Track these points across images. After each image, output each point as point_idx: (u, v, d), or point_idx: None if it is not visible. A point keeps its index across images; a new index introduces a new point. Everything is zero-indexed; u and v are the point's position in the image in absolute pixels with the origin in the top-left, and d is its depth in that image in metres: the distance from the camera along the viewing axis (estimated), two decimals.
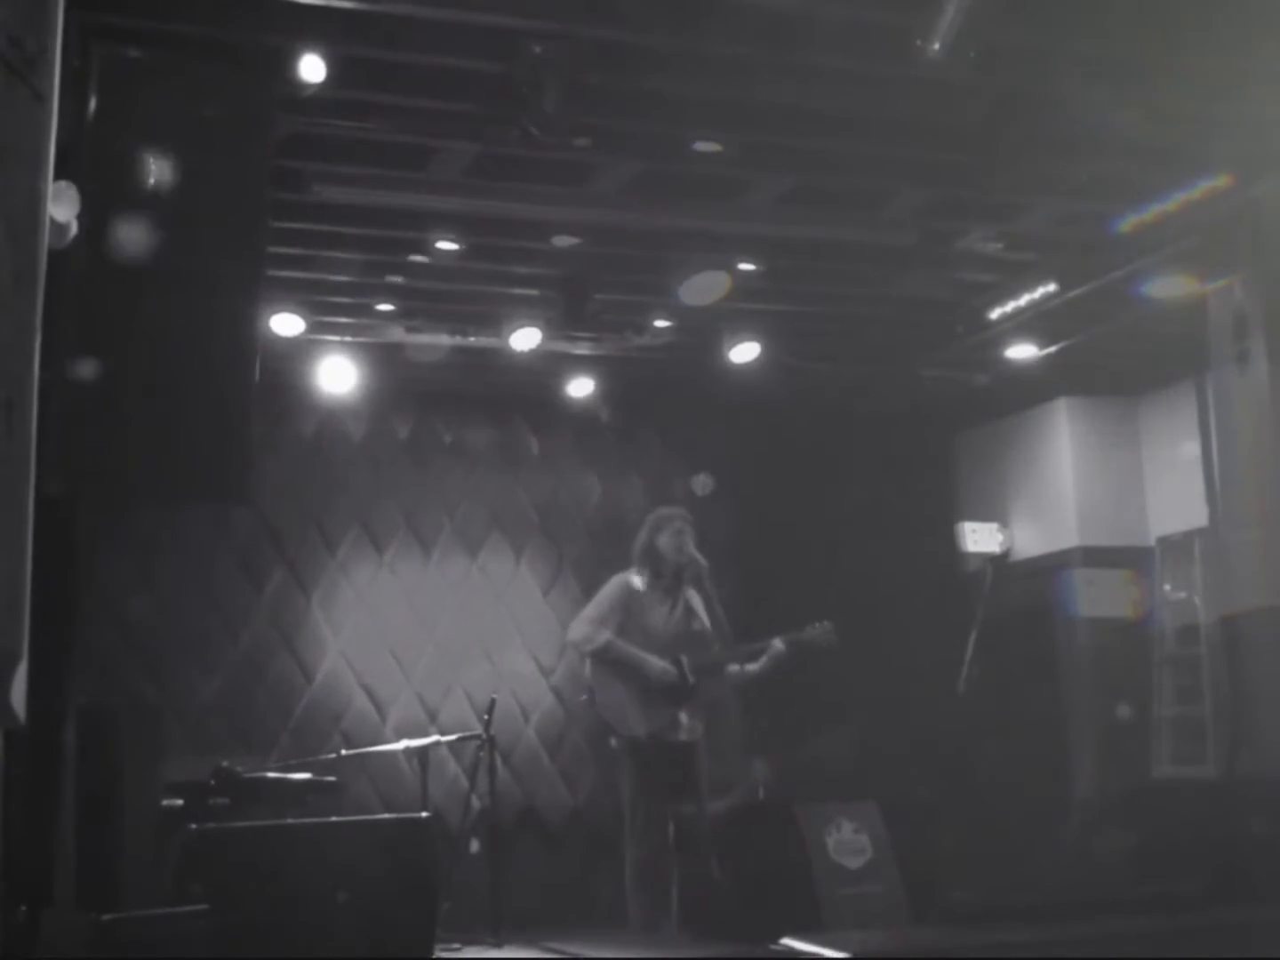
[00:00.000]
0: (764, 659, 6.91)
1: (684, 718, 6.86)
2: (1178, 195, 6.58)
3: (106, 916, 4.21)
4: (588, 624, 7.02)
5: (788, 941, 5.40)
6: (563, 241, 6.87)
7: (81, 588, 6.14)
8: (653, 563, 7.03)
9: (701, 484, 8.94)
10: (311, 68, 5.16)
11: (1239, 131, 6.16)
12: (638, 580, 7.05)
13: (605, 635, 6.91)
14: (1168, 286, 7.33)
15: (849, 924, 6.09)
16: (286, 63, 5.10)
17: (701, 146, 6.16)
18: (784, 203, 6.87)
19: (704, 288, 7.33)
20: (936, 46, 4.87)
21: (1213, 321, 7.13)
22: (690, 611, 6.99)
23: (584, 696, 7.30)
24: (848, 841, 6.49)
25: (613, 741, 7.00)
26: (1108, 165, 6.47)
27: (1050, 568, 9.09)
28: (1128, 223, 6.90)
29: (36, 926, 4.33)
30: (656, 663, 6.83)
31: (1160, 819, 7.21)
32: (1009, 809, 7.79)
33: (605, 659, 6.91)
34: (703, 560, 6.99)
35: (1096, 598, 8.86)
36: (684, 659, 6.84)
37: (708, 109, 5.91)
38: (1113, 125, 5.92)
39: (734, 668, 6.96)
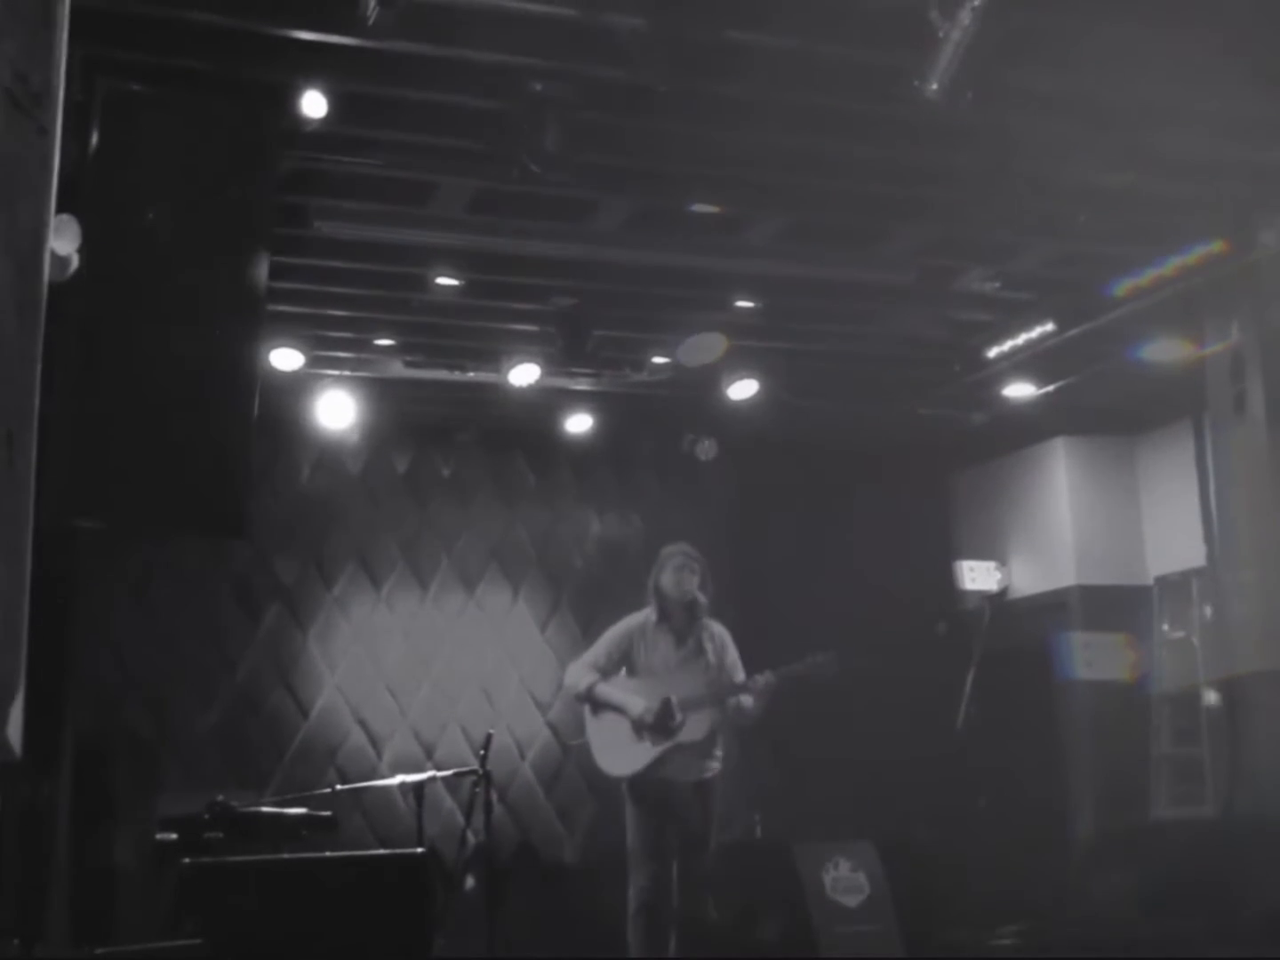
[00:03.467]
0: (755, 693, 6.88)
1: (681, 756, 6.83)
2: (1173, 259, 6.63)
3: (100, 950, 4.19)
4: (579, 668, 7.03)
5: None
6: (561, 301, 6.91)
7: (79, 621, 6.15)
8: (659, 600, 7.03)
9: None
10: (313, 103, 5.20)
11: (1237, 180, 6.20)
12: (647, 618, 7.06)
13: (589, 679, 6.91)
14: (1164, 350, 7.38)
15: None
16: (289, 98, 5.14)
17: (699, 209, 6.21)
18: (782, 241, 6.91)
19: (701, 349, 7.39)
20: (934, 87, 4.91)
21: (1210, 362, 7.15)
22: (700, 648, 6.95)
23: (575, 741, 7.28)
24: (845, 880, 6.47)
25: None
26: (1105, 207, 6.50)
27: (1048, 607, 9.08)
28: (1123, 287, 6.95)
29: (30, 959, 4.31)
30: (637, 703, 6.81)
31: (1159, 859, 7.18)
32: (1006, 848, 7.76)
33: (590, 702, 6.93)
34: (703, 598, 6.98)
35: (1093, 660, 8.85)
36: (672, 697, 6.81)
37: (707, 148, 5.94)
38: (1109, 171, 5.96)
39: (731, 704, 6.93)
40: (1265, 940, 5.51)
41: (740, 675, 6.90)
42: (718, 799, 6.94)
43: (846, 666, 6.90)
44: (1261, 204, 6.35)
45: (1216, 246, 6.48)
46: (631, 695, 6.84)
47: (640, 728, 6.79)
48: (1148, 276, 6.81)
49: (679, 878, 6.81)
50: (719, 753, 6.95)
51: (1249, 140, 5.91)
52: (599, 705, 6.90)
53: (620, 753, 6.84)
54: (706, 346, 7.34)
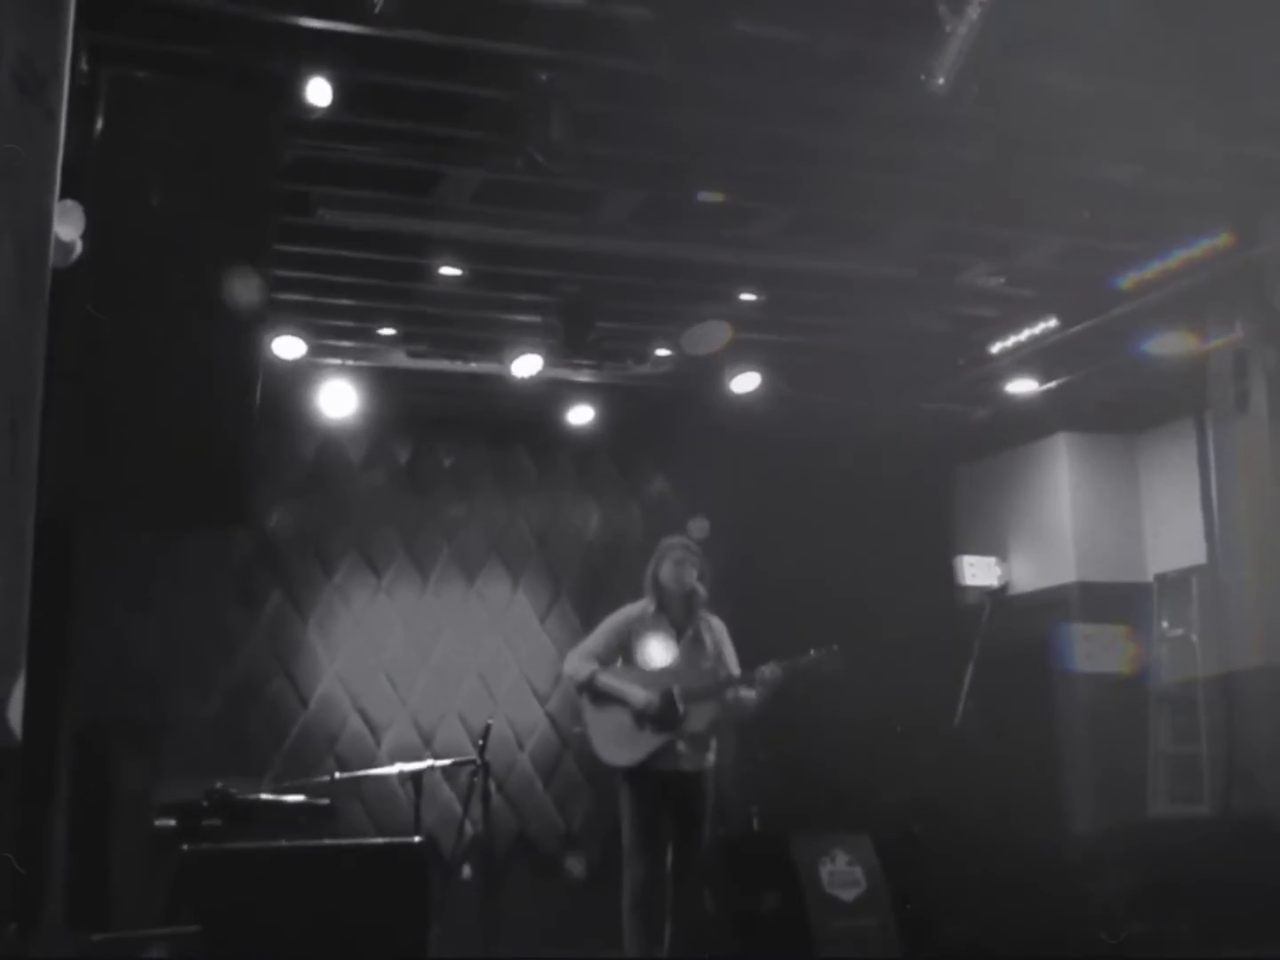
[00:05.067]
0: (758, 686, 6.89)
1: (682, 747, 6.84)
2: (1179, 252, 6.62)
3: (97, 936, 4.19)
4: (578, 657, 7.04)
5: None
6: (567, 290, 6.82)
7: (80, 609, 6.16)
8: (657, 592, 7.04)
9: (698, 528, 8.81)
10: (319, 92, 5.19)
11: (1242, 176, 6.19)
12: (645, 610, 7.06)
13: (590, 668, 6.92)
14: (1168, 344, 7.36)
15: (841, 955, 6.07)
16: (294, 86, 5.13)
17: (705, 197, 6.19)
18: (787, 234, 6.90)
19: (705, 337, 7.37)
20: (940, 82, 4.90)
21: (1213, 360, 7.15)
22: (698, 641, 6.96)
23: (577, 729, 7.29)
24: (841, 873, 6.48)
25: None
26: (1110, 203, 6.50)
27: (1048, 603, 9.08)
28: (1128, 279, 6.93)
29: (27, 945, 4.31)
30: (640, 694, 6.82)
31: (1156, 857, 7.19)
32: (1004, 844, 7.76)
33: (591, 691, 6.93)
34: (702, 591, 6.98)
35: (1093, 652, 8.85)
36: (675, 688, 6.82)
37: (712, 140, 5.93)
38: (1115, 166, 5.95)
39: (731, 697, 6.93)
40: (1262, 939, 5.51)
41: (736, 669, 6.91)
42: (713, 791, 6.96)
43: (850, 661, 6.91)
44: (1268, 199, 6.34)
45: (1222, 240, 6.46)
46: (634, 686, 6.85)
47: (642, 719, 6.80)
48: (1153, 270, 6.80)
49: (675, 869, 6.82)
50: (714, 744, 6.96)
51: (1256, 137, 5.90)
52: (600, 695, 6.90)
53: (621, 743, 6.84)
54: (711, 335, 7.33)
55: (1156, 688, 8.59)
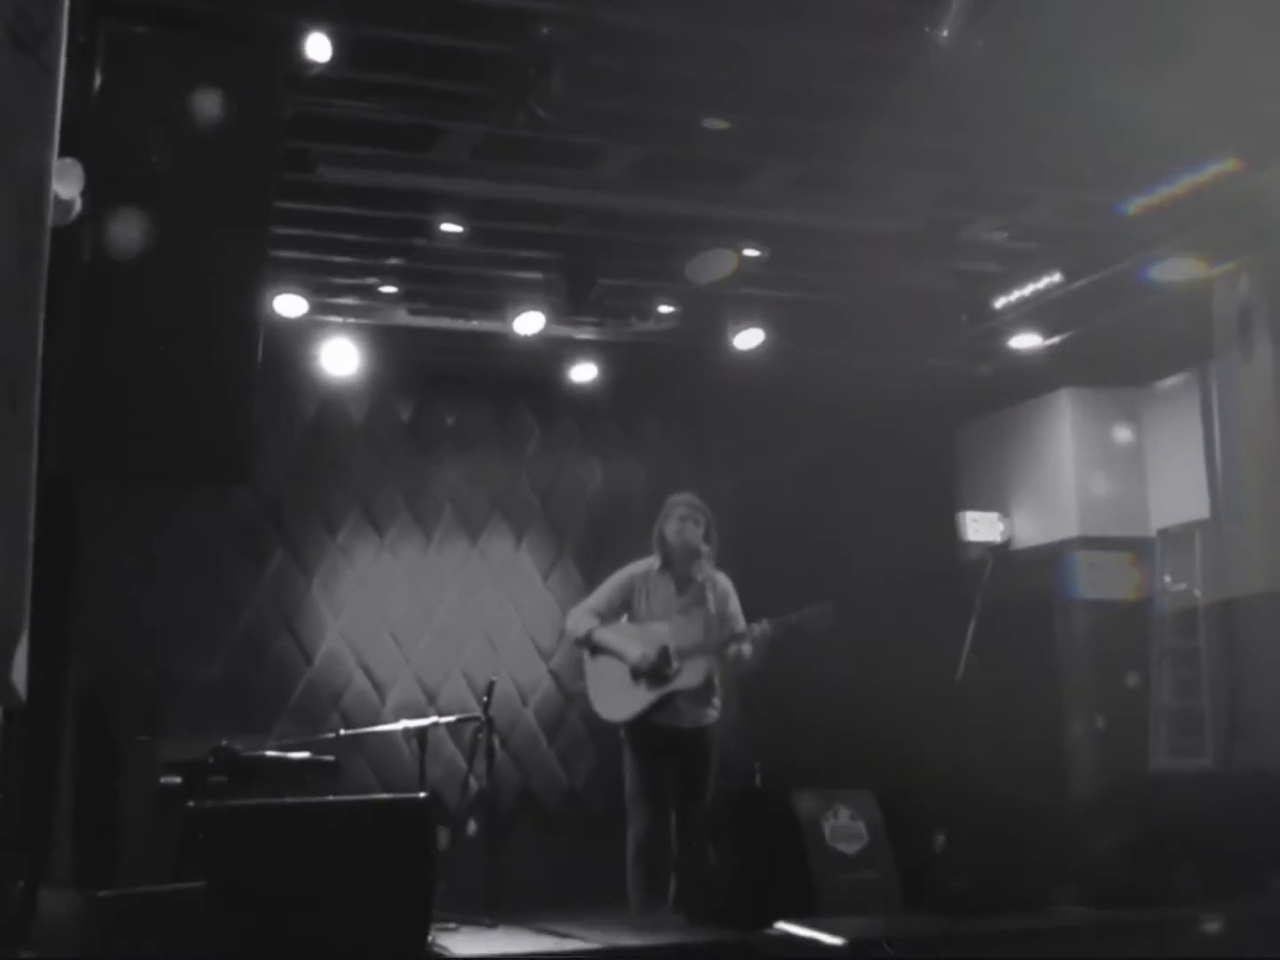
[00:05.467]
0: (752, 642, 6.91)
1: (682, 703, 6.86)
2: (1185, 178, 6.54)
3: (104, 893, 4.22)
4: (579, 614, 7.12)
5: (783, 926, 5.41)
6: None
7: (83, 567, 6.17)
8: (662, 549, 7.07)
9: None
10: (318, 47, 5.15)
11: (1247, 117, 6.12)
12: (651, 566, 7.09)
13: (588, 625, 6.98)
14: (1173, 270, 7.28)
15: (844, 910, 6.10)
16: (293, 41, 5.09)
17: (710, 124, 6.12)
18: (790, 189, 6.86)
19: (710, 265, 7.29)
20: (945, 34, 4.86)
21: (1217, 314, 7.12)
22: (701, 597, 6.97)
23: (580, 684, 7.34)
24: (844, 828, 6.50)
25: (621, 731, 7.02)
26: (1115, 155, 6.44)
27: (1050, 558, 9.08)
28: (1135, 206, 6.85)
29: (34, 902, 4.34)
30: (634, 649, 6.86)
31: (1157, 810, 7.22)
32: (1005, 798, 7.79)
33: (589, 647, 6.99)
34: (705, 548, 7.00)
35: (1097, 580, 8.85)
36: (670, 645, 6.84)
37: (715, 93, 5.89)
38: (1120, 112, 5.88)
39: (731, 653, 6.95)
40: (1264, 892, 5.55)
41: (740, 625, 6.93)
42: (716, 746, 6.99)
43: (844, 617, 6.92)
44: (1271, 139, 6.26)
45: (1229, 165, 6.39)
46: (629, 641, 6.90)
47: (637, 673, 6.84)
48: (1159, 195, 6.71)
49: (677, 824, 6.86)
50: (718, 700, 6.99)
51: (1259, 79, 5.81)
52: (597, 650, 6.96)
53: (616, 698, 6.89)
54: (716, 262, 7.26)
55: (1159, 640, 8.59)
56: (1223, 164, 6.37)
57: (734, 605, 7.05)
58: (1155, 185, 6.64)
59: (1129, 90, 5.69)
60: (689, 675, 6.83)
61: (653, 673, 6.83)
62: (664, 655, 6.82)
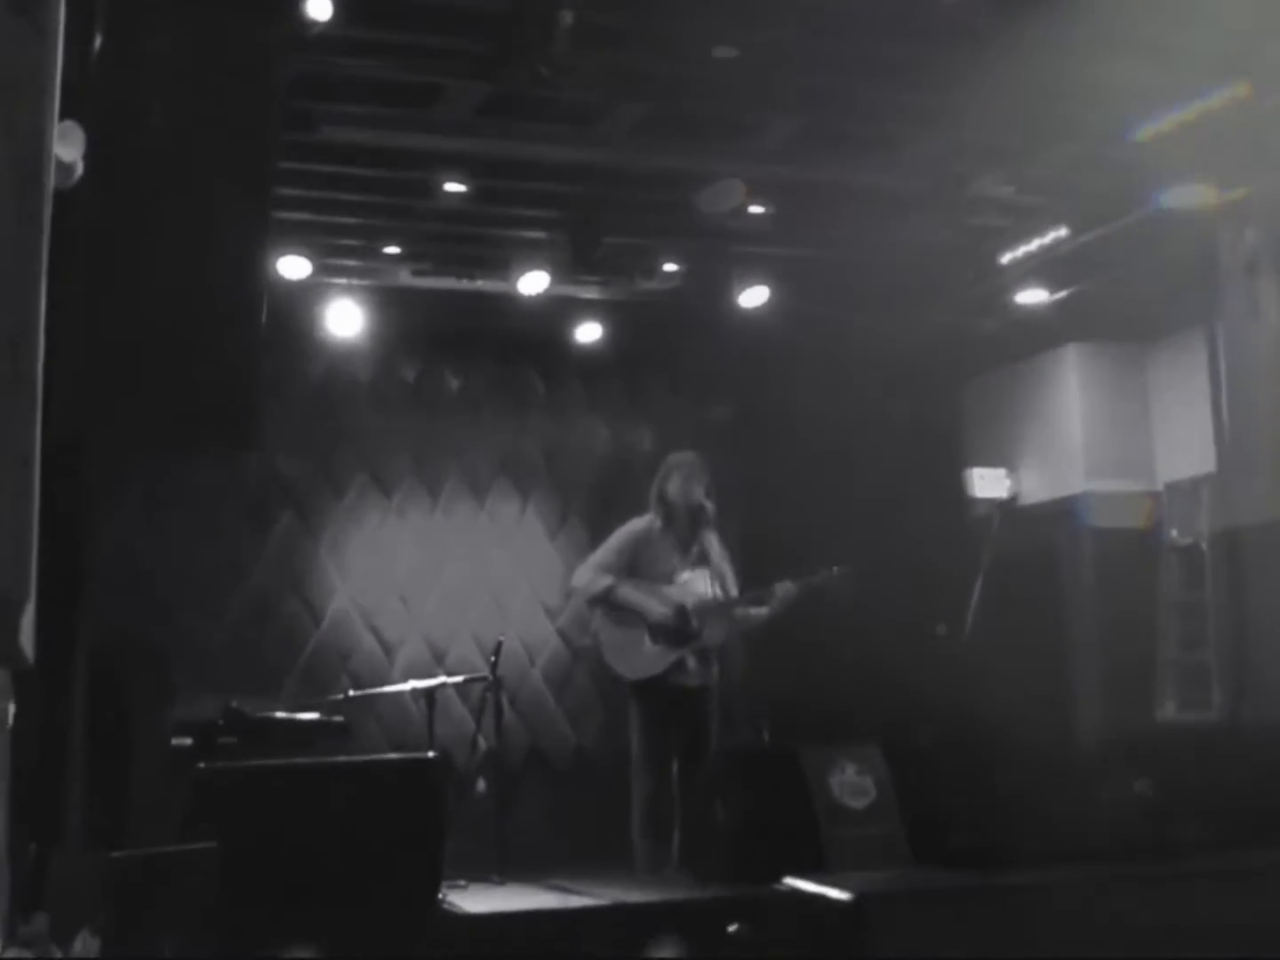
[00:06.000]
0: (772, 602, 6.92)
1: (691, 662, 6.88)
2: (1195, 103, 6.46)
3: (115, 854, 4.24)
4: (590, 570, 7.07)
5: (790, 881, 5.43)
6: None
7: (92, 532, 6.17)
8: (664, 508, 7.05)
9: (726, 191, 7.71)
10: (319, 5, 5.13)
11: (1258, 44, 6.04)
12: (651, 525, 7.07)
13: (605, 581, 6.95)
14: (1183, 196, 7.19)
15: (851, 865, 6.13)
16: (294, 1, 5.06)
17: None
18: (795, 145, 6.82)
19: (721, 195, 7.22)
20: None
21: (1224, 267, 7.08)
22: (704, 557, 6.99)
23: (587, 641, 7.34)
24: (851, 783, 6.53)
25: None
26: (1123, 85, 6.35)
27: (1057, 514, 9.08)
28: (1145, 131, 6.78)
29: (46, 864, 4.37)
30: (657, 608, 6.86)
31: (1164, 763, 7.23)
32: (1013, 752, 7.82)
33: (606, 604, 6.95)
34: (710, 505, 7.00)
35: (1105, 509, 8.86)
36: (689, 603, 6.85)
37: (719, 50, 5.84)
38: (1127, 49, 5.80)
39: (741, 612, 6.97)
40: (1270, 844, 5.56)
41: (734, 588, 6.96)
42: (718, 704, 7.01)
43: (859, 582, 6.94)
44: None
45: (1240, 89, 6.32)
46: (649, 599, 6.89)
47: (656, 633, 6.85)
48: (1168, 121, 6.64)
49: (683, 783, 6.89)
50: (717, 659, 7.01)
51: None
52: (616, 608, 6.92)
53: (633, 657, 6.89)
54: (726, 192, 7.20)
55: (1166, 593, 8.59)
56: (1233, 89, 6.30)
57: (728, 566, 7.07)
58: (1165, 111, 6.55)
59: (1136, 27, 5.62)
60: (708, 635, 6.86)
61: (675, 632, 6.85)
62: (683, 615, 6.84)
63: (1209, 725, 7.90)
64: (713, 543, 7.02)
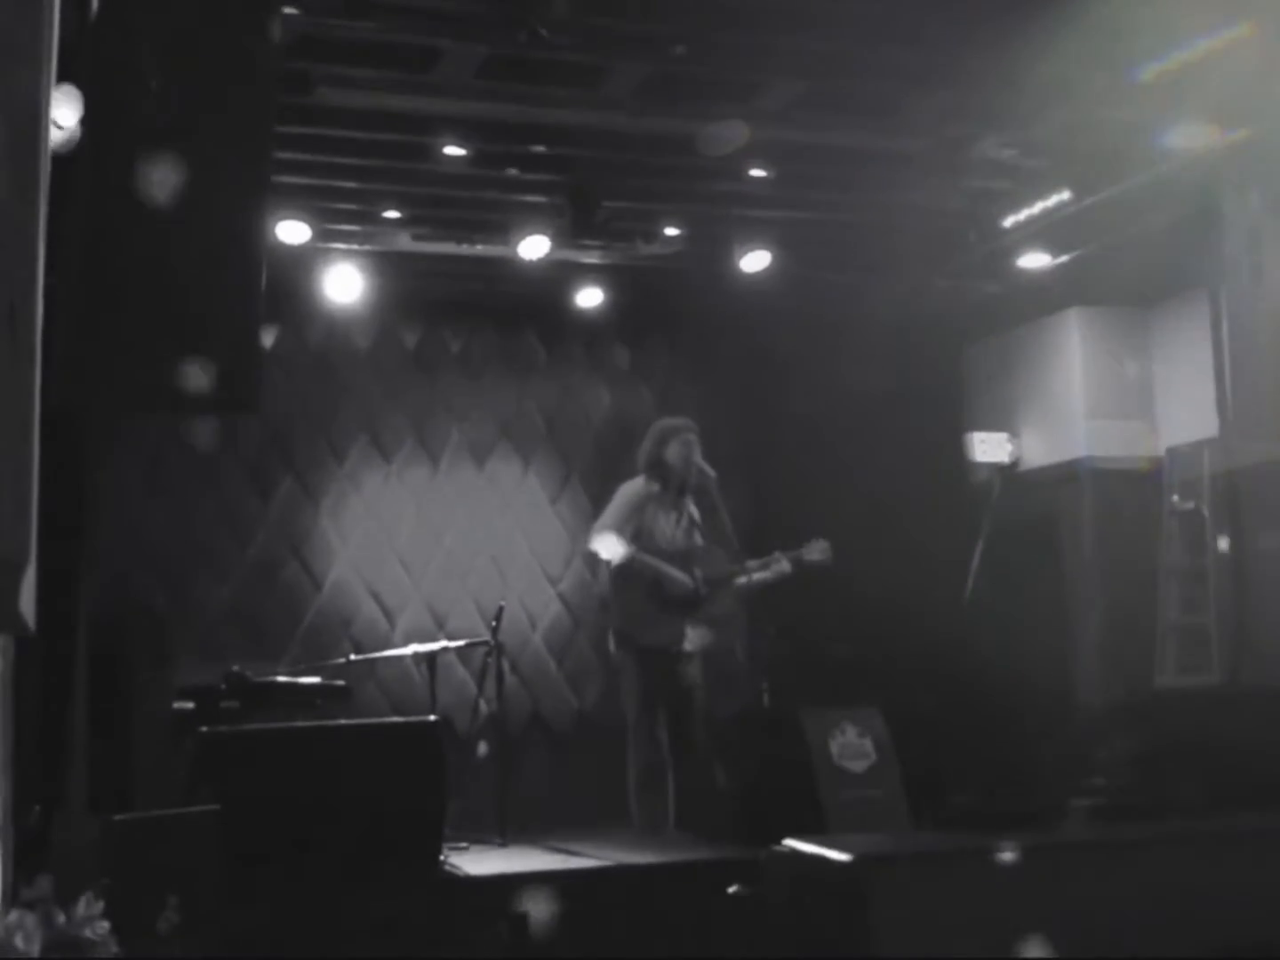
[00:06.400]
0: (770, 571, 6.95)
1: (689, 629, 6.91)
2: (1200, 43, 6.41)
3: (118, 817, 4.26)
4: (610, 534, 6.98)
5: (790, 843, 5.46)
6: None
7: (90, 496, 6.17)
8: (660, 473, 7.03)
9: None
10: None
11: None
12: (649, 489, 7.06)
13: (627, 547, 6.92)
14: (1186, 136, 7.14)
15: (851, 827, 6.16)
16: None
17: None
18: (796, 108, 6.78)
19: (723, 136, 7.17)
20: None
21: (1227, 231, 7.05)
22: (693, 523, 7.02)
23: (600, 605, 7.35)
24: (851, 746, 6.56)
25: (612, 648, 7.05)
26: (1126, 53, 6.30)
27: (1058, 478, 9.08)
28: (1149, 71, 6.73)
29: (49, 827, 4.39)
30: (677, 575, 6.87)
31: (1164, 726, 7.26)
32: (1013, 716, 7.85)
33: (628, 570, 6.92)
34: (710, 471, 7.00)
35: (1108, 473, 8.86)
36: (696, 571, 6.87)
37: (719, 10, 5.81)
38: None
39: (743, 580, 6.99)
40: (1266, 804, 5.59)
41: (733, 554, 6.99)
42: (713, 667, 7.05)
43: (852, 538, 6.95)
44: None
45: (1245, 29, 6.27)
46: (667, 568, 6.89)
47: (672, 599, 6.86)
48: (1173, 61, 6.59)
49: (677, 745, 6.92)
50: (728, 624, 7.04)
51: None
52: (634, 574, 6.90)
53: (647, 622, 6.90)
54: (729, 133, 7.15)
55: (1167, 562, 8.60)
56: (1238, 29, 6.24)
57: (729, 531, 7.05)
58: (1170, 50, 6.50)
59: None
60: (715, 604, 6.88)
61: (688, 600, 6.87)
62: (695, 581, 6.87)
63: (1208, 689, 7.92)
64: (708, 507, 7.02)
